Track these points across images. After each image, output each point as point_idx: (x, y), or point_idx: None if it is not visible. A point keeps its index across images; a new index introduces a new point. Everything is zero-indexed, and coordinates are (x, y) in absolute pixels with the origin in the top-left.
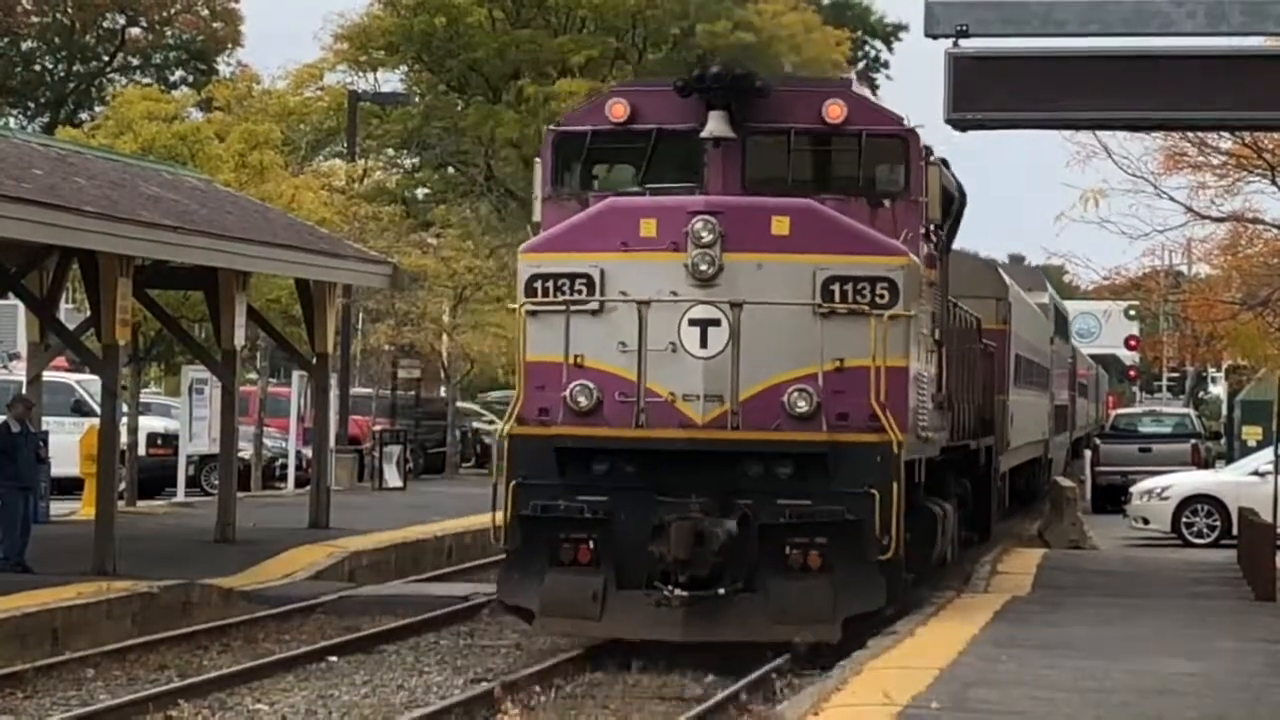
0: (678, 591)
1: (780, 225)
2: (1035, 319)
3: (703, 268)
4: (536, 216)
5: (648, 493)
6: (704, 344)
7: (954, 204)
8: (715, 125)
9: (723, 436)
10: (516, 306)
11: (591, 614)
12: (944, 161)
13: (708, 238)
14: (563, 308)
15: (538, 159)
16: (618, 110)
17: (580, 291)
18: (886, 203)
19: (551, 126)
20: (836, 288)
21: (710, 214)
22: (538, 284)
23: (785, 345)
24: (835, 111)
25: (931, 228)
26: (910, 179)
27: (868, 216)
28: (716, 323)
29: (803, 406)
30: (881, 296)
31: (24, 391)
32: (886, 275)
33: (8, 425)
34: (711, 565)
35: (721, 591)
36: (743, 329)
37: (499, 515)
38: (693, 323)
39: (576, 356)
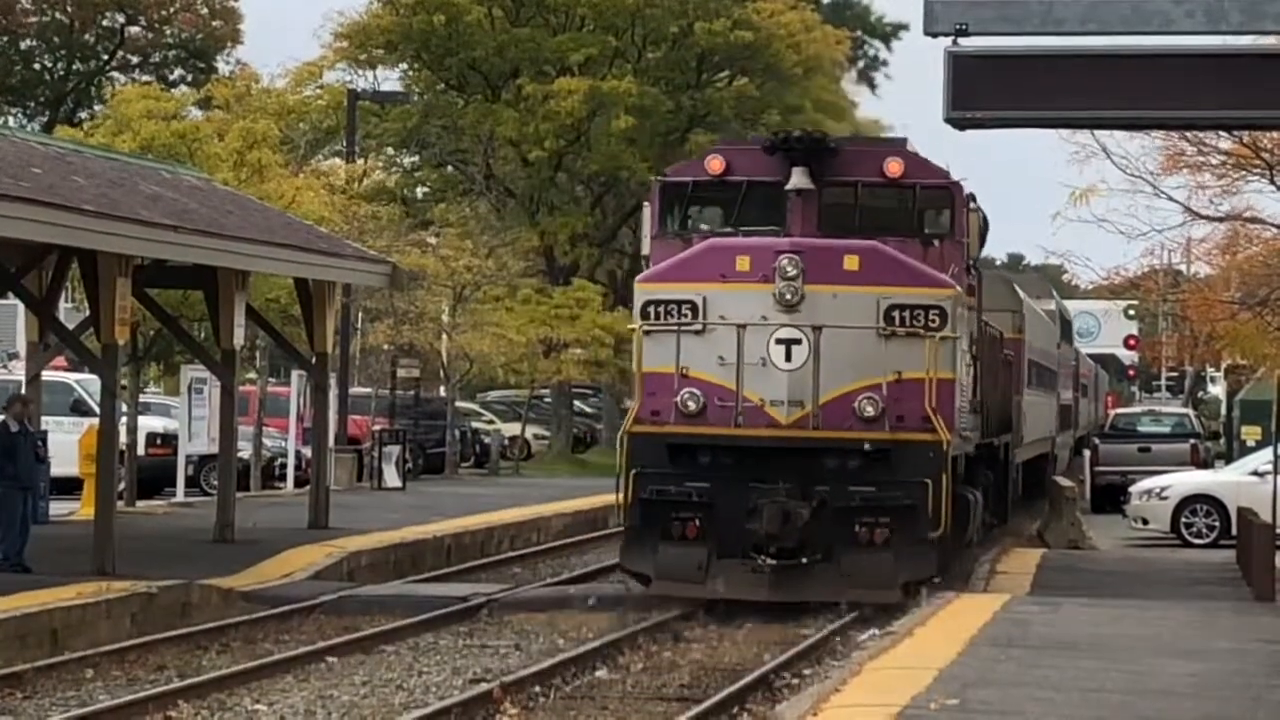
0: (768, 560)
1: (851, 262)
2: (1044, 326)
3: (788, 296)
4: (645, 251)
5: (743, 480)
6: (788, 359)
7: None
8: (797, 179)
9: (804, 435)
10: (634, 327)
11: (697, 579)
12: (971, 195)
13: (792, 272)
14: (674, 328)
15: (646, 203)
16: (715, 165)
17: (686, 315)
18: (936, 243)
19: (658, 177)
20: (897, 314)
21: (794, 252)
22: (651, 308)
23: (855, 360)
24: (894, 167)
25: (971, 263)
26: (955, 223)
27: (921, 254)
28: (799, 342)
29: (870, 411)
30: (933, 322)
31: (24, 391)
32: (938, 304)
33: (7, 425)
34: (796, 539)
35: (804, 561)
36: (821, 347)
37: (621, 497)
38: (779, 341)
39: (683, 368)
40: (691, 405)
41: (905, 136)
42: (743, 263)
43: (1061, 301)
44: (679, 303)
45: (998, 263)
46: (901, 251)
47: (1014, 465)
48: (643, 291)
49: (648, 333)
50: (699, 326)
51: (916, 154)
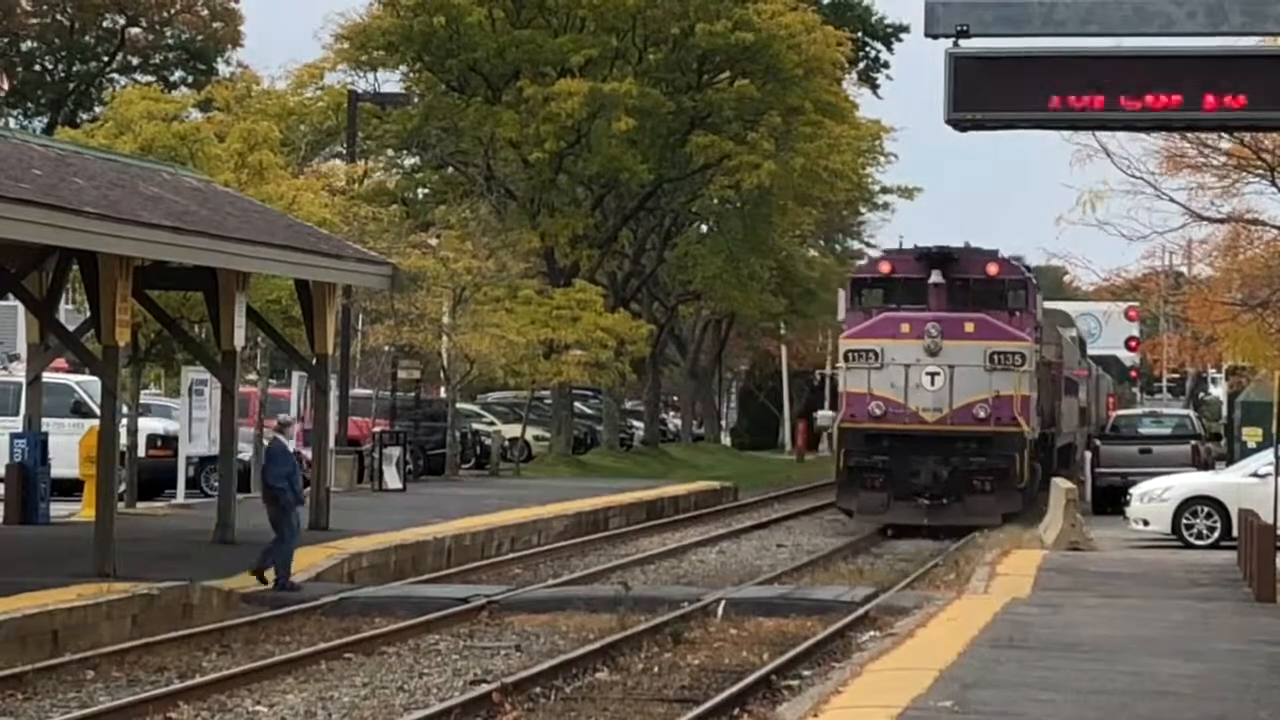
0: (924, 501)
1: (969, 326)
2: (1071, 350)
3: (932, 347)
4: (841, 316)
5: (908, 455)
6: (933, 384)
7: None
8: (935, 276)
9: (944, 428)
10: (841, 366)
11: (882, 511)
12: (1026, 265)
13: (934, 333)
14: (865, 366)
15: (841, 289)
16: (884, 267)
17: (871, 358)
18: (1017, 313)
19: (849, 274)
20: (996, 357)
21: (936, 321)
22: (850, 354)
23: (972, 384)
24: (993, 269)
25: (1038, 323)
26: (1028, 301)
27: (1008, 320)
28: (939, 374)
29: (981, 414)
30: (1017, 361)
31: (290, 415)
32: (1020, 351)
33: (285, 448)
34: (939, 489)
35: (944, 501)
36: (953, 377)
37: (837, 465)
38: (927, 373)
39: (870, 389)
40: (877, 411)
41: (998, 248)
42: (905, 327)
43: (1079, 330)
44: (867, 351)
45: None
46: (997, 319)
47: (1055, 449)
48: (845, 343)
49: (849, 369)
50: (879, 365)
51: (1006, 259)
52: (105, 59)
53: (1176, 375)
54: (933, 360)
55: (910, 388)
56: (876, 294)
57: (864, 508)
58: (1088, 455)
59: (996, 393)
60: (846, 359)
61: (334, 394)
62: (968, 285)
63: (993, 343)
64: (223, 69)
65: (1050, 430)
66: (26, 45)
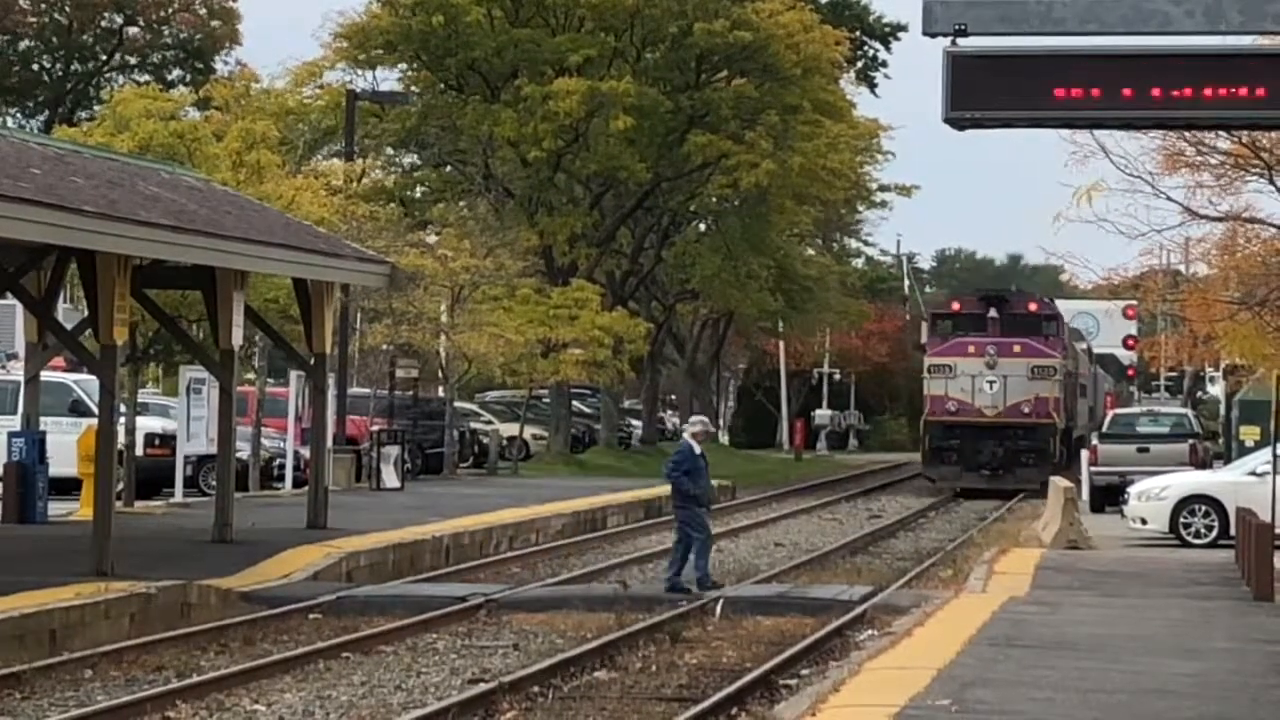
0: (986, 472)
1: (1017, 348)
2: (1084, 360)
3: (990, 363)
4: (923, 340)
5: (974, 439)
6: (991, 389)
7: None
8: (992, 312)
9: (1000, 420)
10: (925, 377)
11: (955, 479)
12: (1050, 300)
13: (993, 352)
14: (943, 376)
15: (923, 320)
16: (955, 305)
17: (947, 371)
18: (1050, 338)
19: (931, 309)
20: (1036, 369)
21: (993, 345)
22: (931, 368)
23: (1019, 389)
24: (1033, 306)
25: (1065, 343)
26: (1059, 329)
27: (1044, 343)
28: (995, 382)
29: (1026, 410)
30: (1051, 373)
31: (700, 417)
32: (1052, 365)
33: (692, 448)
34: (997, 464)
35: (1000, 472)
36: (1006, 384)
37: (923, 448)
38: (987, 381)
39: (947, 393)
40: (952, 408)
41: (1034, 292)
42: (971, 349)
43: (1089, 343)
44: (944, 365)
45: (997, 264)
46: (1037, 343)
47: (1074, 437)
48: (928, 360)
49: (931, 378)
50: (953, 375)
51: (1043, 298)
52: (103, 58)
53: (1174, 374)
54: (991, 372)
55: (975, 391)
56: (948, 324)
57: (943, 477)
58: (1084, 454)
59: (1036, 395)
60: (929, 371)
61: (332, 393)
62: (1015, 318)
63: (1033, 359)
64: (221, 68)
65: (1071, 424)
66: (24, 44)
